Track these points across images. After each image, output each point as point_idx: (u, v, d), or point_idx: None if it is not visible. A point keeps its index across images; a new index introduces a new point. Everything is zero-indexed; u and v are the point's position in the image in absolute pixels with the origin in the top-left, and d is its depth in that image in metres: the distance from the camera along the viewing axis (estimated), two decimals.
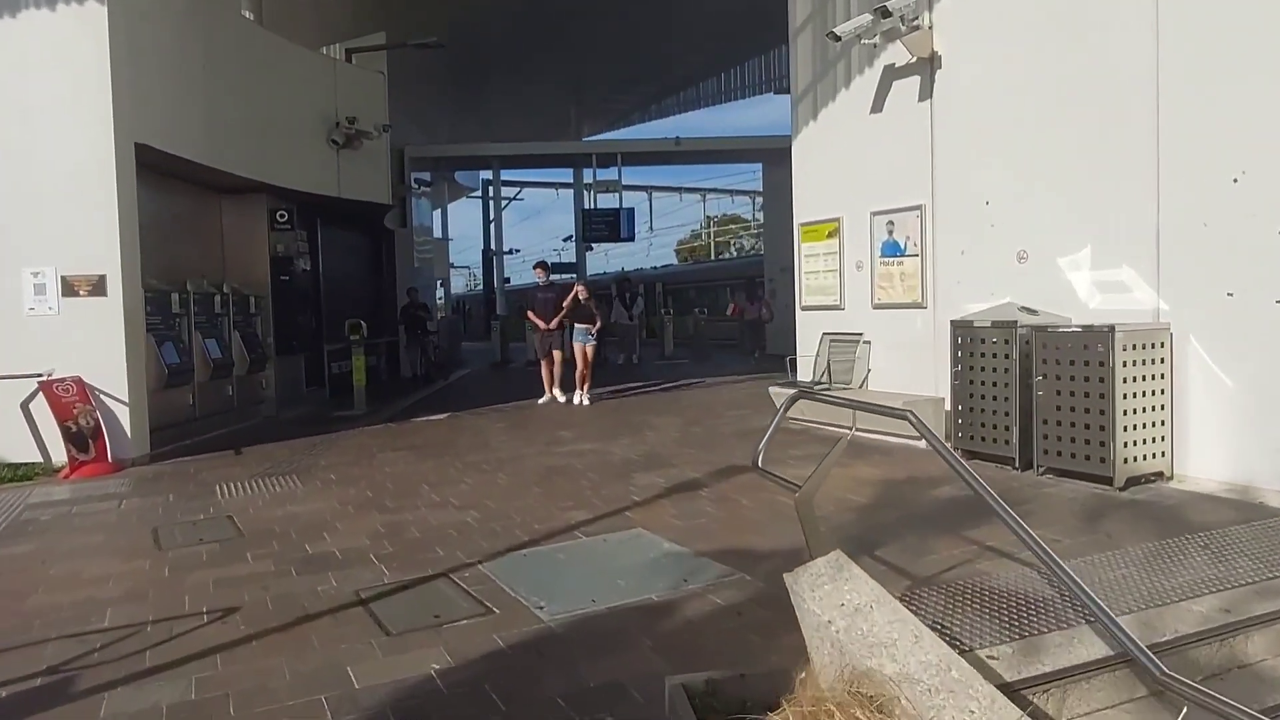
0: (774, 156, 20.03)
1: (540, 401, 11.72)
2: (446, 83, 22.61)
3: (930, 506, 5.68)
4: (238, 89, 10.92)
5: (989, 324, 6.77)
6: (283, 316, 11.97)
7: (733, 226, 67.09)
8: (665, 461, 7.41)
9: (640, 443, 8.46)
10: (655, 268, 39.65)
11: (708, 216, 58.90)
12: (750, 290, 17.63)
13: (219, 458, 8.54)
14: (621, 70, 23.44)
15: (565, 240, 34.69)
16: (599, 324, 11.94)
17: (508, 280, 38.69)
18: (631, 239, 19.44)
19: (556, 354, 11.91)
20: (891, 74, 8.53)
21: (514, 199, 39.75)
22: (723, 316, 23.47)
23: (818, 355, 9.40)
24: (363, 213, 14.68)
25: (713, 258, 58.66)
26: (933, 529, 4.91)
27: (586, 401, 11.54)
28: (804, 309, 9.90)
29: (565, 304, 11.68)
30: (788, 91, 21.46)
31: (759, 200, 58.39)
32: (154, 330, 8.95)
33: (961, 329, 6.98)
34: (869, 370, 8.93)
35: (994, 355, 6.69)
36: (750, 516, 5.50)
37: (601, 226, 18.81)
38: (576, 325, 11.75)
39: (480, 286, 66.62)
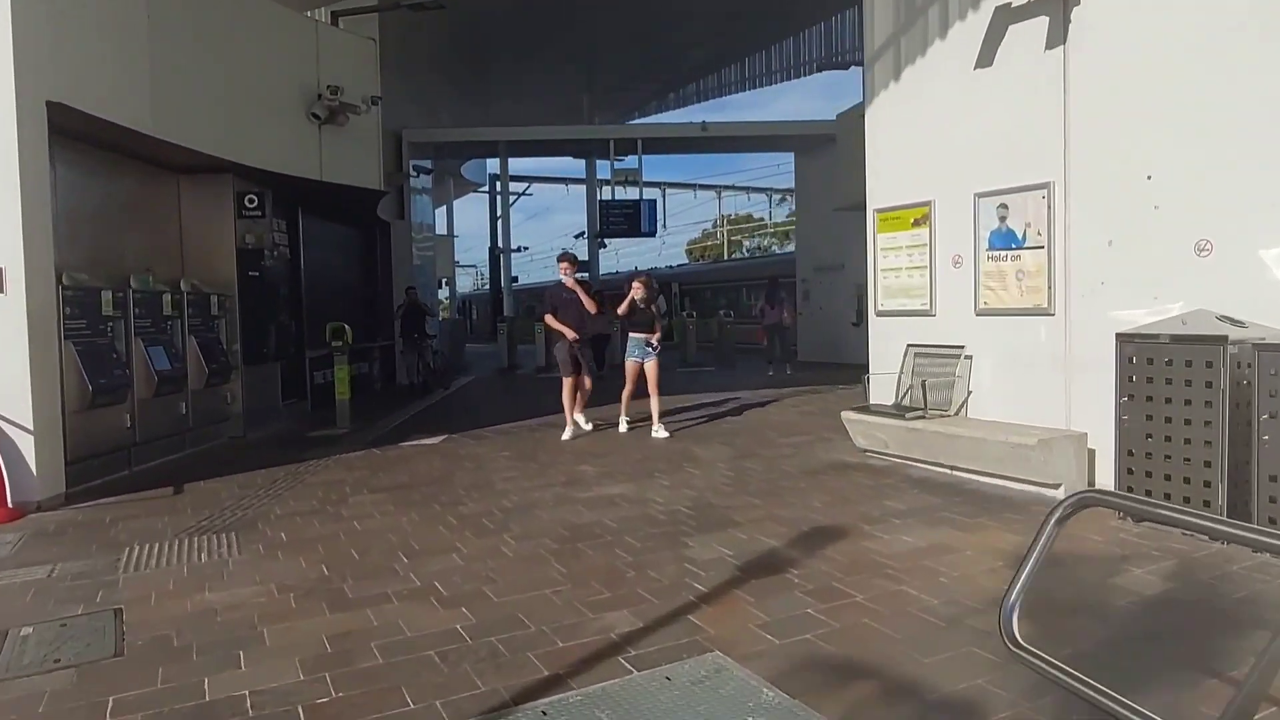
0: (808, 145, 18.22)
1: (565, 437, 9.00)
2: (448, 66, 20.83)
3: (1137, 611, 3.86)
4: (195, 49, 9.16)
5: (1178, 338, 4.94)
6: (253, 319, 10.19)
7: (747, 226, 65.25)
8: (724, 518, 5.59)
9: (684, 485, 6.65)
10: (670, 267, 37.82)
11: (723, 215, 57.03)
12: (771, 292, 15.78)
13: (151, 499, 6.76)
14: (636, 56, 21.64)
15: (577, 237, 32.89)
16: (658, 332, 9.25)
17: (515, 279, 36.95)
18: (653, 234, 17.67)
19: (588, 379, 9.42)
20: (1006, 15, 6.71)
21: (523, 194, 37.97)
22: (749, 319, 21.64)
23: (901, 372, 7.57)
24: (351, 201, 12.90)
25: (726, 257, 56.86)
26: (1174, 661, 3.09)
27: (664, 434, 8.89)
28: (880, 314, 8.07)
29: (621, 309, 9.14)
30: (822, 71, 19.65)
31: (776, 197, 56.76)
32: (76, 337, 7.18)
33: (1134, 344, 5.15)
34: (969, 392, 7.10)
35: (1187, 382, 4.86)
36: (880, 628, 3.68)
37: (620, 220, 17.04)
38: (631, 335, 9.24)
39: (487, 286, 65.05)
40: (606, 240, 30.11)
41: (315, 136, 11.03)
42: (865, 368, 8.26)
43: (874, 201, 8.15)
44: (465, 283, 62.61)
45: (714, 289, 29.14)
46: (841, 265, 17.86)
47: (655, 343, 9.14)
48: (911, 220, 7.67)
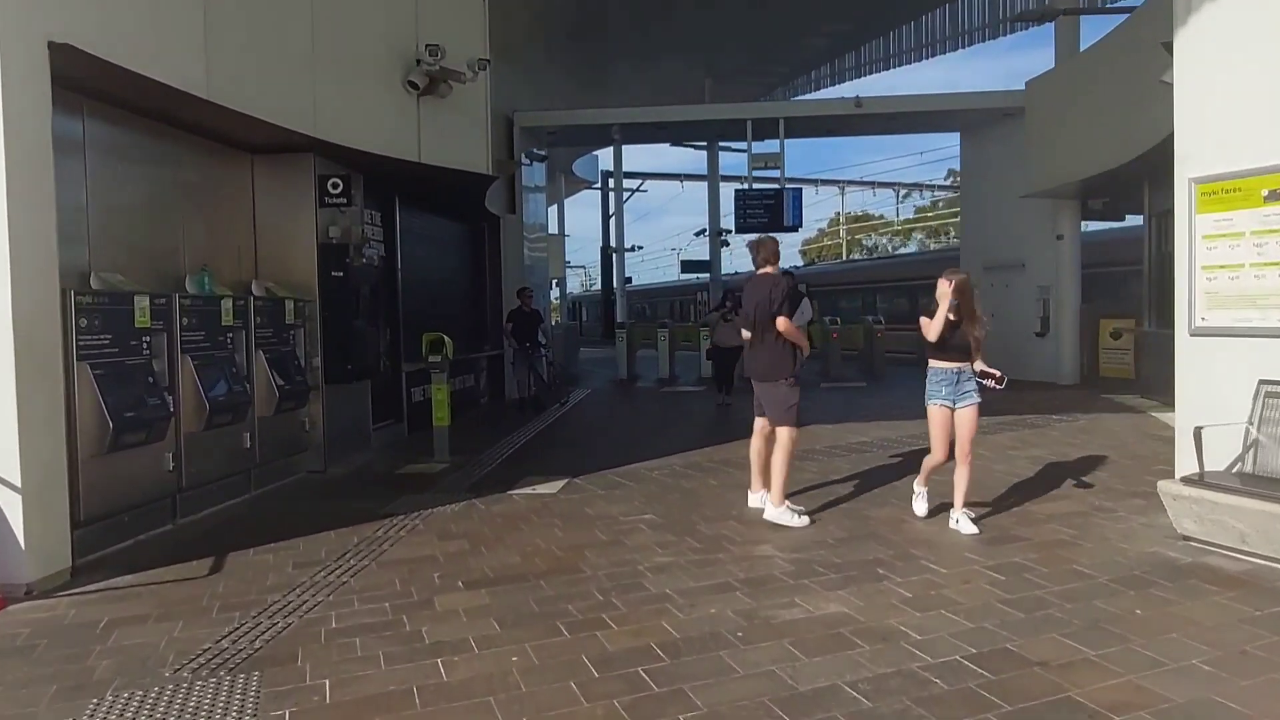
0: (979, 122, 15.47)
1: (753, 502, 6.28)
2: (559, 51, 19.04)
3: None
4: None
5: None
6: (338, 328, 8.41)
7: (868, 224, 61.59)
8: (1048, 685, 3.27)
9: (935, 599, 4.34)
10: (797, 267, 35.11)
11: (843, 212, 53.74)
12: None
13: (175, 582, 4.92)
14: (762, 35, 19.29)
15: (698, 234, 30.74)
16: (979, 351, 5.56)
17: (629, 280, 35.06)
18: (797, 227, 15.28)
19: (785, 431, 5.90)
20: None
21: (637, 190, 36.10)
22: (902, 325, 18.89)
23: (1251, 421, 5.02)
24: (456, 189, 11.07)
25: (845, 257, 53.57)
26: None
27: (971, 528, 5.46)
28: (1200, 333, 5.51)
29: (935, 325, 5.49)
30: (1021, 21, 16.76)
31: (903, 193, 53.09)
32: (96, 357, 5.45)
33: None
34: None
35: None
36: None
37: (759, 212, 14.72)
38: (935, 365, 5.59)
39: (595, 286, 63.58)
40: (728, 238, 27.93)
41: (413, 110, 9.21)
42: (1052, 387, 5.78)
43: (1192, 169, 5.58)
44: (572, 284, 61.47)
45: (854, 291, 26.14)
46: (1021, 264, 15.05)
47: (995, 378, 5.49)
48: (1263, 192, 5.10)
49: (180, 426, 6.31)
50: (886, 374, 16.45)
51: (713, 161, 26.44)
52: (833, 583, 4.56)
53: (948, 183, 52.85)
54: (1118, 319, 13.63)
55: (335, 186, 8.33)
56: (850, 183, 45.74)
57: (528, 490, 7.10)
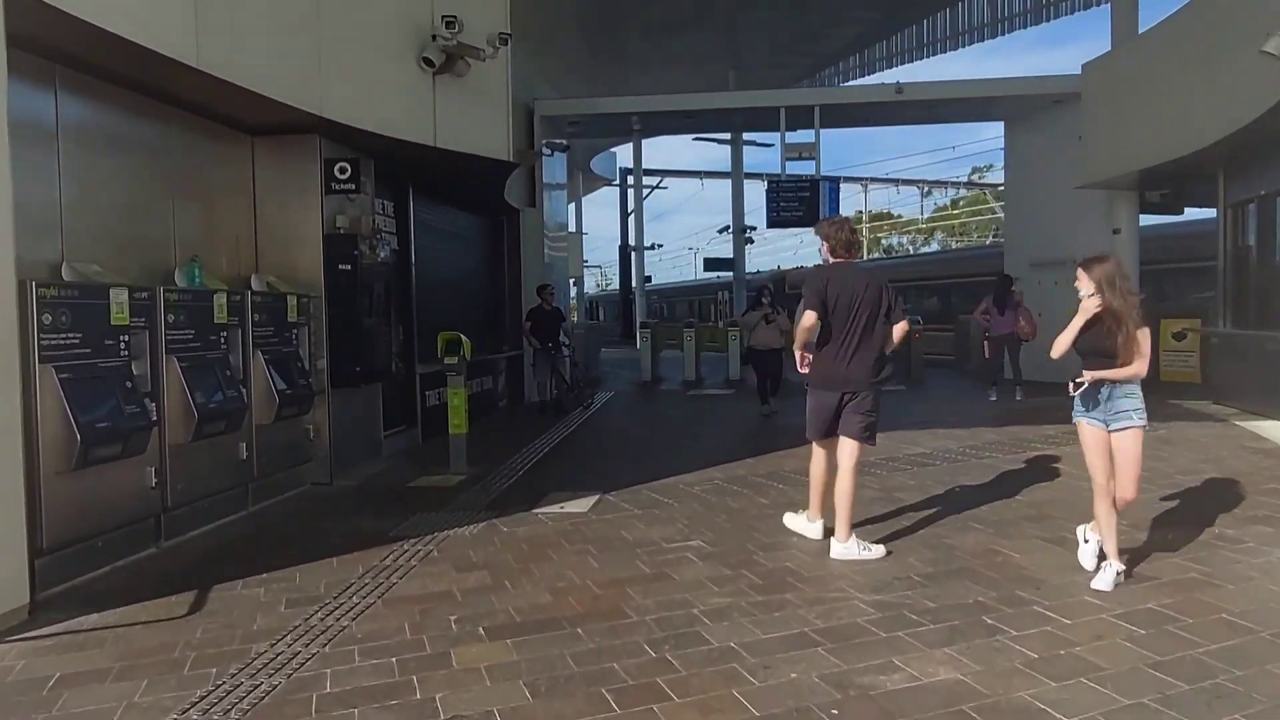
0: (1027, 110, 14.58)
1: (810, 531, 5.39)
2: (579, 42, 18.33)
3: None
4: None
5: None
6: (346, 327, 7.67)
7: (889, 222, 60.49)
8: None
9: (1077, 668, 3.52)
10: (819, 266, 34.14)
11: (866, 210, 52.63)
12: (1001, 293, 12.25)
13: (146, 624, 4.18)
14: (787, 25, 18.51)
15: (720, 231, 29.92)
16: (1135, 356, 4.37)
17: (649, 279, 34.28)
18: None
19: (849, 443, 5.13)
20: None
21: (656, 186, 35.33)
22: (935, 326, 18.05)
23: None
24: (475, 177, 10.33)
25: (864, 257, 52.48)
26: None
27: (1109, 580, 4.31)
28: None
29: (1070, 331, 4.44)
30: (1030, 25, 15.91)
31: (926, 190, 52.03)
32: (63, 359, 4.72)
33: None
34: None
35: None
36: None
37: (794, 205, 13.88)
38: (1091, 384, 4.43)
39: (611, 286, 62.72)
40: (752, 235, 27.07)
41: (428, 89, 8.46)
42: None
43: None
44: (588, 283, 60.67)
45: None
46: (1072, 260, 14.09)
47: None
48: None
49: (165, 437, 5.58)
50: (925, 377, 15.58)
51: (737, 156, 25.64)
52: (934, 636, 3.75)
53: (974, 180, 51.84)
54: (1181, 319, 12.72)
55: (343, 172, 7.59)
56: (873, 180, 44.65)
57: (555, 509, 6.33)
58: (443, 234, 11.24)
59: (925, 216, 51.61)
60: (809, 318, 5.27)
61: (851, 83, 21.82)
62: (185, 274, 6.28)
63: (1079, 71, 13.28)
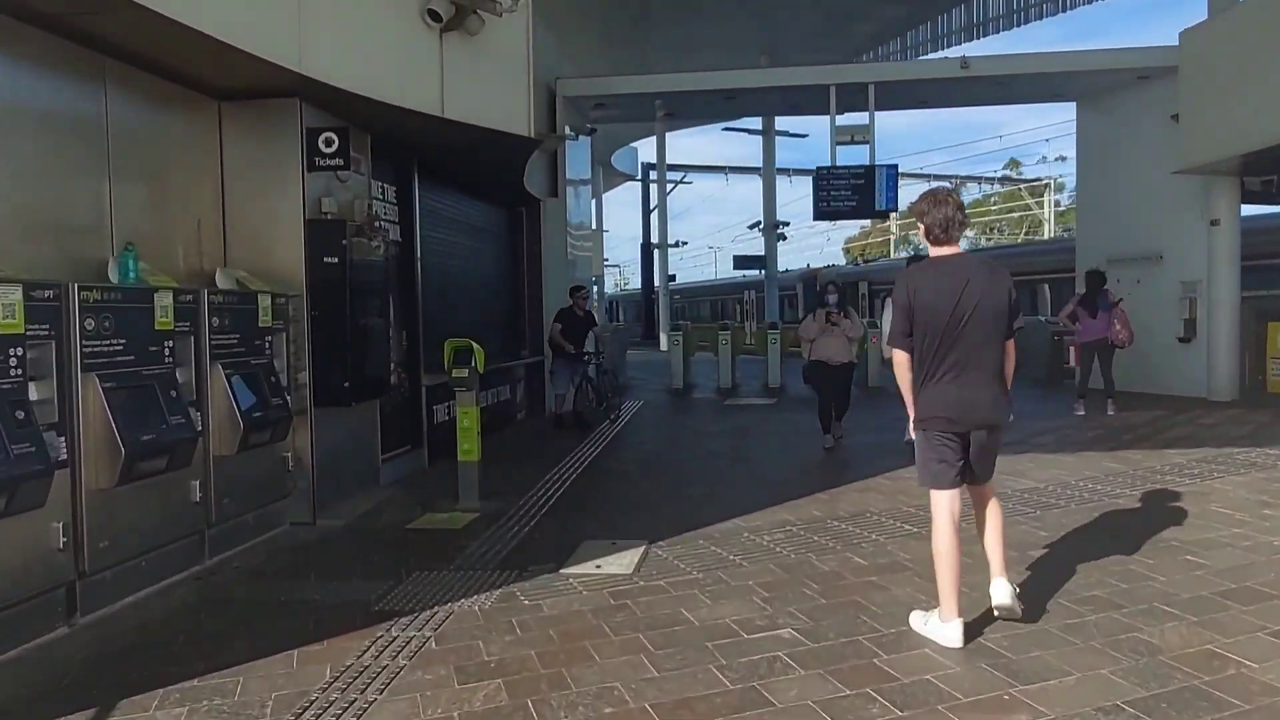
0: (1102, 88, 13.04)
1: (947, 638, 3.70)
2: (601, 24, 16.97)
3: None
4: None
5: None
6: (334, 333, 6.30)
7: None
8: None
9: None
10: (860, 261, 32.44)
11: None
12: (1092, 293, 10.65)
13: None
14: (824, 7, 17.07)
15: (751, 227, 28.46)
16: None
17: (672, 277, 32.87)
18: (888, 211, 12.90)
19: (985, 489, 4.00)
20: None
21: (680, 182, 33.92)
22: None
23: None
24: (490, 157, 8.99)
25: (891, 255, 50.74)
26: None
27: None
28: None
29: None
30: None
31: (960, 183, 50.16)
32: None
33: None
34: None
35: None
36: None
37: (845, 193, 12.39)
38: None
39: (629, 285, 61.24)
40: (785, 231, 25.60)
41: (434, 49, 7.11)
42: (1203, 403, 4.85)
43: None
44: (606, 283, 59.22)
45: None
46: (1158, 256, 12.60)
47: None
48: None
49: (80, 482, 4.24)
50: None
51: (769, 148, 24.20)
52: None
53: (1009, 174, 50.03)
54: None
55: (328, 144, 6.23)
56: (905, 174, 42.89)
57: (590, 568, 4.93)
58: (454, 224, 9.89)
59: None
60: (899, 358, 3.89)
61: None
62: (118, 267, 4.93)
63: (1163, 44, 11.76)
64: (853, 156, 13.01)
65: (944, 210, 3.90)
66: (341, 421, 6.62)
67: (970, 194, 54.30)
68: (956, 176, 47.74)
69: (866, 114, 12.80)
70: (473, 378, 6.64)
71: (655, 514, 6.19)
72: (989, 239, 53.56)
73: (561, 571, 4.88)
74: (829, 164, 12.74)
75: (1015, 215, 52.55)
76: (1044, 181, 47.15)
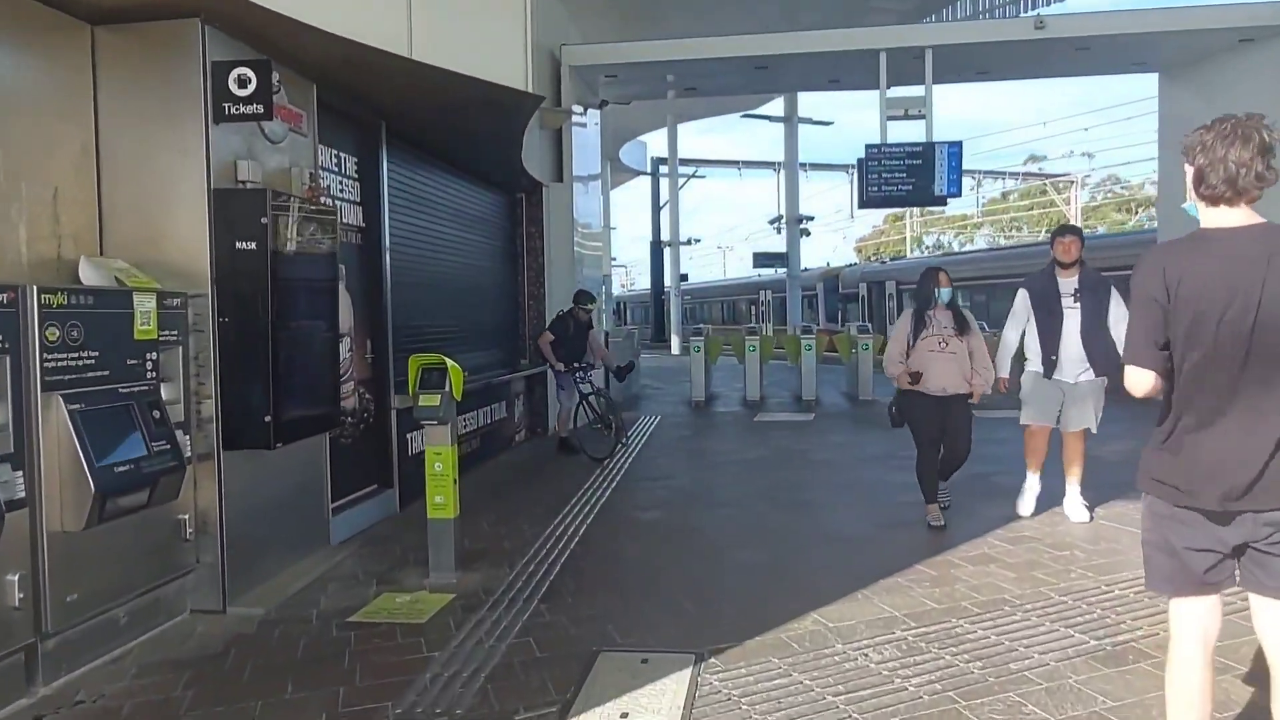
0: (1197, 52, 11.25)
1: None
2: None
3: None
4: None
5: None
6: (246, 347, 4.52)
7: (936, 218, 56.73)
8: None
9: None
10: (956, 252, 30.27)
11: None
12: None
13: None
14: None
15: (773, 222, 26.68)
16: None
17: (684, 277, 31.09)
18: (949, 197, 11.04)
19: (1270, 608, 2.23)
20: None
21: (693, 176, 32.18)
22: None
23: None
24: (480, 126, 7.26)
25: (908, 255, 48.89)
26: None
27: None
28: None
29: None
30: None
31: (979, 179, 48.25)
32: None
33: None
34: None
35: None
36: None
37: (899, 175, 10.57)
38: None
39: (636, 286, 59.29)
40: (809, 227, 23.79)
41: None
42: None
43: None
44: (613, 283, 57.41)
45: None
46: None
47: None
48: None
49: None
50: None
51: (791, 136, 22.42)
52: None
53: (1031, 170, 48.18)
54: None
55: (243, 84, 4.47)
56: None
57: (618, 710, 3.17)
58: (436, 209, 8.14)
59: (982, 208, 47.81)
60: (1143, 379, 2.29)
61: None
62: None
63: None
64: (900, 136, 11.22)
65: (1233, 151, 2.22)
66: (268, 467, 4.86)
67: (987, 191, 52.46)
68: (977, 171, 45.88)
69: (921, 87, 11.01)
70: (447, 407, 4.88)
71: (698, 598, 4.44)
72: (1006, 237, 51.73)
73: (575, 719, 3.13)
74: (878, 142, 10.92)
75: (1034, 213, 50.75)
76: (1069, 177, 45.27)
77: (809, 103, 23.69)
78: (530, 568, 5.08)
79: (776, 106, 23.82)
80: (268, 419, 4.49)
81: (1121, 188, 52.77)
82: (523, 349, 10.63)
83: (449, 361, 4.91)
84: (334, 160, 6.05)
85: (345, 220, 6.16)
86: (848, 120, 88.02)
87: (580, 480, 7.64)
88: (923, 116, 10.81)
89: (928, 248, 55.65)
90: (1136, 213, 49.59)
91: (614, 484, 7.53)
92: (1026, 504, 5.87)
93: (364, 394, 6.38)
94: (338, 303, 5.34)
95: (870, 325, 15.97)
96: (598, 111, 12.56)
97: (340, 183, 6.16)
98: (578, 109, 10.94)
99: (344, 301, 6.09)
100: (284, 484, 5.08)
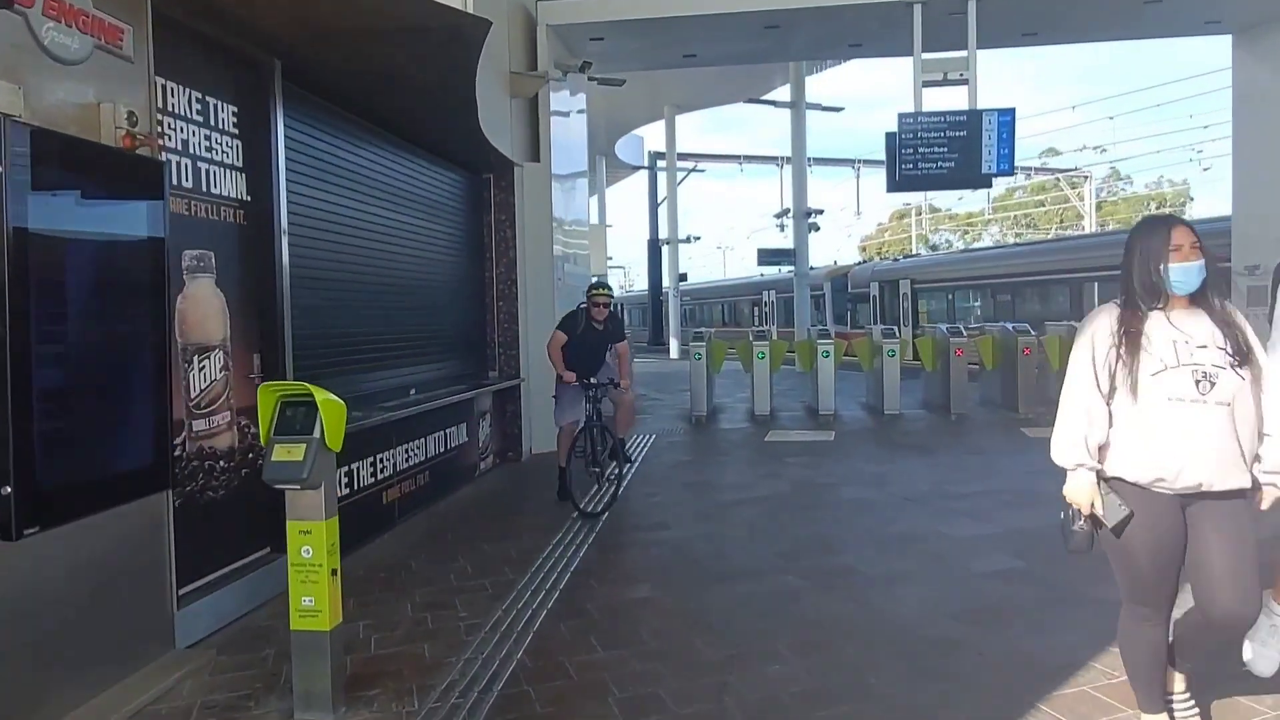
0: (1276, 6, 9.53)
1: None
2: None
3: None
4: None
5: None
6: (28, 369, 2.86)
7: (943, 216, 55.04)
8: None
9: None
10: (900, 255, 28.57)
11: (924, 203, 47.39)
12: None
13: None
14: None
15: (777, 216, 24.99)
16: None
17: (684, 277, 29.37)
18: (998, 175, 9.28)
19: None
20: None
21: (693, 170, 30.49)
22: None
23: None
24: (415, 78, 5.57)
25: (910, 252, 47.21)
26: None
27: None
28: None
29: None
30: None
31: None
32: None
33: None
34: None
35: None
36: None
37: (939, 149, 8.82)
38: None
39: (635, 288, 57.36)
40: (818, 221, 22.08)
41: None
42: None
43: None
44: (610, 284, 55.68)
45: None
46: None
47: None
48: None
49: None
50: None
51: (798, 123, 20.73)
52: None
53: (1044, 164, 46.51)
54: None
55: None
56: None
57: None
58: (366, 184, 6.44)
59: (993, 204, 46.16)
60: None
61: None
62: None
63: None
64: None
65: None
66: (56, 550, 3.16)
67: (998, 185, 50.59)
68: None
69: (959, 53, 9.31)
70: (317, 462, 3.18)
71: None
72: (1016, 236, 50.04)
73: None
74: (912, 110, 9.19)
75: (1044, 209, 49.08)
76: (1082, 172, 43.61)
77: (815, 91, 22.02)
78: (453, 698, 3.39)
79: (783, 93, 22.15)
80: (6, 491, 2.78)
81: (1123, 184, 51.10)
82: (492, 358, 8.96)
83: (321, 394, 3.20)
84: (195, 106, 4.36)
85: (215, 191, 4.48)
86: (855, 112, 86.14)
87: (551, 530, 5.95)
88: (965, 81, 9.10)
89: (934, 247, 53.88)
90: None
91: (592, 536, 5.83)
92: (1269, 659, 2.97)
93: (247, 426, 4.68)
94: (165, 305, 3.62)
95: (897, 328, 14.22)
96: (585, 86, 10.88)
97: (209, 139, 4.47)
98: (556, 73, 9.24)
99: (211, 303, 4.42)
100: (89, 573, 3.38)
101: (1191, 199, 48.14)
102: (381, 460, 6.11)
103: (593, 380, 6.67)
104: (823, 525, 5.99)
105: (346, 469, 5.53)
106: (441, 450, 7.19)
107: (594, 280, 7.35)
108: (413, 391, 7.02)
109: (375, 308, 6.54)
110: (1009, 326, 11.54)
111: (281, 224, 4.97)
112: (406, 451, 6.52)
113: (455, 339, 8.32)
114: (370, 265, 6.45)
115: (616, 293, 53.63)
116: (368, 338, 6.37)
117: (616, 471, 6.96)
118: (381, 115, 6.40)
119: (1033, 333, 11.27)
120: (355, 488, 5.67)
